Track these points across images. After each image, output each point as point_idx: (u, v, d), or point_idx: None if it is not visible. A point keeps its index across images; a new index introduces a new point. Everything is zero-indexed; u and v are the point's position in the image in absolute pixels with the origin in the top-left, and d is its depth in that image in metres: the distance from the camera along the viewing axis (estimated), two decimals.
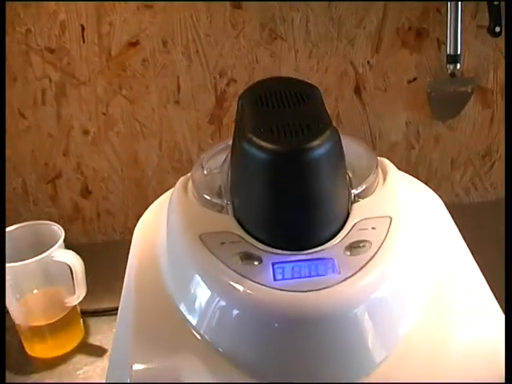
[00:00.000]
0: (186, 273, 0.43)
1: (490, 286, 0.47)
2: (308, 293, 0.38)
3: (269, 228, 0.43)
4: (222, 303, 0.40)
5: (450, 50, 0.84)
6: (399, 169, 0.54)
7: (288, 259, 0.41)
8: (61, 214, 0.96)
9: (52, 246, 0.69)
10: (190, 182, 0.52)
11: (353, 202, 0.47)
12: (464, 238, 0.52)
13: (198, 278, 0.42)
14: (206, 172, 0.52)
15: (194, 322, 0.42)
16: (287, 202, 0.41)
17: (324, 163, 0.40)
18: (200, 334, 0.42)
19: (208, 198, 0.48)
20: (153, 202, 0.61)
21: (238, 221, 0.45)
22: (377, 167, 0.51)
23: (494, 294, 0.46)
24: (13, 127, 0.87)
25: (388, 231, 0.43)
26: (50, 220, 0.75)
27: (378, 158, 0.54)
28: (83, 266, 0.71)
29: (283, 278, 0.39)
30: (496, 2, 0.82)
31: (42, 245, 0.70)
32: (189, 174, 0.54)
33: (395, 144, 0.95)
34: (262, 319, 0.39)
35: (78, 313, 0.77)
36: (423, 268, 0.45)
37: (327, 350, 0.39)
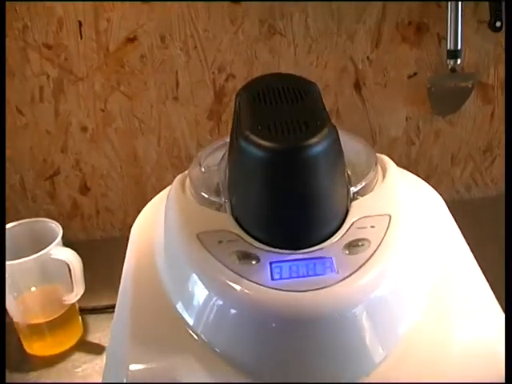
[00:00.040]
0: (183, 272, 0.43)
1: (489, 283, 0.46)
2: (306, 293, 0.38)
3: (266, 227, 0.42)
4: (219, 303, 0.40)
5: (450, 45, 0.83)
6: (399, 165, 0.54)
7: (286, 258, 0.40)
8: (60, 211, 0.95)
9: (50, 244, 0.69)
10: (188, 180, 0.51)
11: (352, 200, 0.46)
12: (464, 234, 0.51)
13: (194, 277, 0.41)
14: (203, 169, 0.52)
15: (190, 321, 0.42)
16: (285, 200, 0.41)
17: (322, 161, 0.40)
18: (197, 334, 0.41)
19: (206, 196, 0.48)
20: (152, 198, 0.60)
21: (236, 219, 0.45)
22: (376, 164, 0.51)
23: (494, 292, 0.45)
24: (11, 124, 0.87)
25: (387, 230, 0.42)
26: (49, 217, 0.74)
27: (378, 154, 0.53)
28: (81, 264, 0.70)
29: (281, 278, 0.39)
30: None
31: (40, 242, 0.70)
32: (186, 172, 0.53)
33: (395, 140, 0.94)
34: (260, 319, 0.39)
35: (77, 310, 0.77)
36: (423, 267, 0.44)
37: (325, 350, 0.39)
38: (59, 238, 0.70)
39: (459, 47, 0.83)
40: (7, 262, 0.66)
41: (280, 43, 0.85)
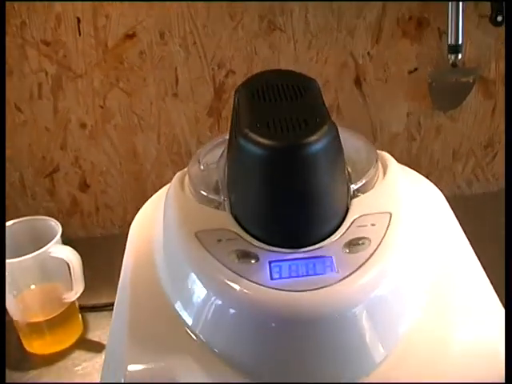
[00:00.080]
0: (182, 271, 0.43)
1: (490, 280, 0.46)
2: (305, 292, 0.37)
3: (265, 225, 0.42)
4: (218, 303, 0.40)
5: (451, 40, 0.83)
6: (400, 160, 0.53)
7: (285, 257, 0.40)
8: (59, 208, 0.95)
9: (50, 242, 0.69)
10: (187, 178, 0.51)
11: (352, 198, 0.46)
12: (465, 230, 0.51)
13: (193, 276, 0.41)
14: (202, 167, 0.51)
15: (189, 321, 0.42)
16: (284, 198, 0.40)
17: (321, 159, 0.39)
18: (195, 334, 0.41)
19: (205, 194, 0.48)
20: (152, 195, 0.60)
21: (235, 217, 0.44)
22: (376, 161, 0.50)
23: (496, 289, 0.45)
24: (9, 121, 0.86)
25: (387, 228, 0.42)
26: (49, 214, 0.74)
27: (378, 151, 0.53)
28: (81, 262, 0.70)
29: (280, 277, 0.39)
30: None
31: (39, 240, 0.70)
32: (186, 169, 0.53)
33: (396, 135, 0.94)
34: (259, 319, 0.38)
35: (77, 308, 0.77)
36: (423, 265, 0.44)
37: (325, 350, 0.38)
38: (58, 237, 0.69)
39: (460, 42, 0.83)
40: (7, 260, 0.66)
41: (280, 39, 0.84)
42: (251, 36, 0.83)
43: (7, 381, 0.71)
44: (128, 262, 0.50)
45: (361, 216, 0.43)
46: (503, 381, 0.38)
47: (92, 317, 0.80)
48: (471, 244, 0.50)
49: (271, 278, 0.39)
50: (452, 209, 0.54)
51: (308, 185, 0.40)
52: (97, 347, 0.75)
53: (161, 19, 0.81)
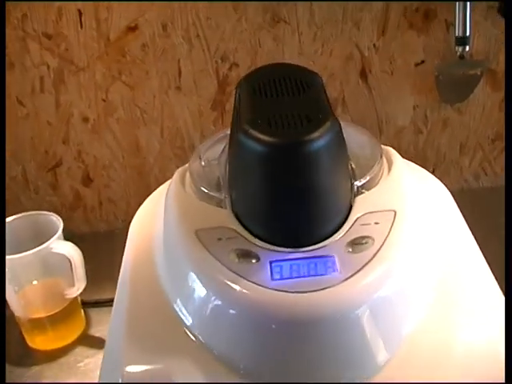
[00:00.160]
0: (181, 270, 0.42)
1: (498, 274, 0.45)
2: (306, 294, 0.36)
3: (267, 224, 0.41)
4: (217, 303, 0.39)
5: (458, 32, 0.81)
6: (407, 154, 0.52)
7: (286, 257, 0.39)
8: (62, 203, 0.94)
9: (51, 237, 0.68)
10: (188, 174, 0.50)
11: (356, 195, 0.45)
12: (473, 223, 0.50)
13: (193, 276, 0.40)
14: (203, 163, 0.50)
15: (188, 321, 0.41)
16: (285, 196, 0.39)
17: (324, 156, 0.38)
18: (194, 335, 0.40)
19: (205, 191, 0.47)
20: (155, 189, 0.59)
21: (236, 215, 0.43)
22: (381, 157, 0.49)
23: (501, 285, 0.44)
24: (11, 115, 0.86)
25: (392, 226, 0.41)
26: (52, 208, 0.73)
27: (383, 146, 0.51)
28: (82, 258, 0.69)
29: (281, 278, 0.38)
30: None
31: (41, 235, 0.69)
32: (187, 165, 0.52)
33: (402, 128, 0.93)
34: (258, 321, 0.37)
35: (79, 304, 0.76)
36: (428, 265, 0.43)
37: (326, 353, 0.37)
38: (60, 232, 0.69)
39: (468, 34, 0.81)
40: (8, 256, 0.65)
41: (284, 31, 0.83)
42: (255, 28, 0.82)
43: (9, 376, 0.70)
44: (128, 259, 0.50)
45: (364, 214, 0.42)
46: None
47: (95, 312, 0.79)
48: (478, 238, 0.49)
49: (272, 279, 0.38)
50: (459, 203, 0.52)
51: (310, 183, 0.39)
52: (99, 343, 0.74)
53: (163, 11, 0.80)
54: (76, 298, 0.74)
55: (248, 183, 0.41)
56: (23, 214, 0.73)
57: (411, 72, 0.88)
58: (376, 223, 0.41)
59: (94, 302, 0.79)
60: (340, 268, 0.38)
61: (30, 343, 0.75)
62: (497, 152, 0.96)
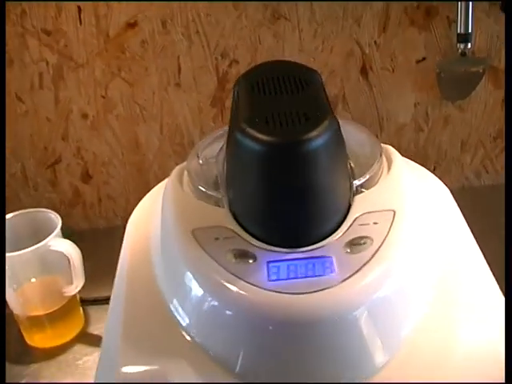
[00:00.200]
0: (178, 269, 0.41)
1: (499, 272, 0.44)
2: (303, 295, 0.36)
3: (264, 224, 0.41)
4: (213, 304, 0.38)
5: (460, 29, 0.80)
6: (407, 151, 0.51)
7: (284, 257, 0.39)
8: (61, 199, 0.94)
9: (50, 234, 0.68)
10: (186, 172, 0.50)
11: (355, 194, 0.44)
12: (474, 222, 0.50)
13: (189, 275, 0.40)
14: (201, 161, 0.50)
15: (184, 321, 0.40)
16: (283, 196, 0.39)
17: (322, 155, 0.38)
18: (190, 336, 0.40)
19: (203, 189, 0.46)
20: (154, 186, 0.59)
21: (234, 215, 0.43)
22: (381, 155, 0.49)
23: (501, 287, 0.43)
24: (11, 112, 0.85)
25: (391, 226, 0.40)
26: (51, 205, 0.73)
27: (383, 145, 0.51)
28: (81, 255, 0.69)
29: (278, 279, 0.37)
30: None
31: (39, 233, 0.69)
32: (184, 163, 0.52)
33: (403, 126, 0.92)
34: (255, 322, 0.37)
35: (78, 301, 0.76)
36: (427, 266, 0.42)
37: (324, 355, 0.37)
38: (58, 230, 0.68)
39: (470, 30, 0.81)
40: (6, 254, 0.65)
41: (284, 27, 0.82)
42: (255, 25, 0.81)
43: (7, 374, 0.70)
44: (124, 258, 0.49)
45: (363, 214, 0.42)
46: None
47: (93, 310, 0.79)
48: (479, 236, 0.48)
49: (269, 280, 0.37)
50: (460, 201, 0.52)
51: (308, 182, 0.38)
52: (98, 341, 0.74)
53: (163, 7, 0.79)
54: (75, 295, 0.74)
55: (245, 182, 0.41)
56: (21, 211, 0.72)
57: (412, 69, 0.87)
58: (375, 223, 0.41)
59: (93, 299, 0.79)
60: (338, 269, 0.38)
61: (28, 341, 0.74)
62: (498, 150, 0.95)
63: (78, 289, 0.71)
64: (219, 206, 0.44)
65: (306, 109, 0.40)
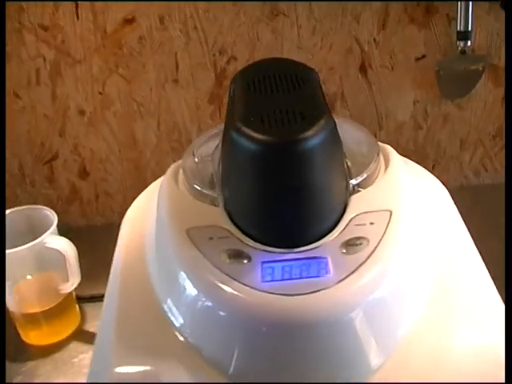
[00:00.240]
0: (172, 269, 0.41)
1: (499, 271, 0.44)
2: (298, 296, 0.35)
3: (259, 224, 0.40)
4: (206, 304, 0.38)
5: (460, 26, 0.80)
6: (406, 149, 0.51)
7: (278, 258, 0.38)
8: (58, 196, 0.94)
9: (46, 231, 0.67)
10: (181, 171, 0.49)
11: (351, 193, 0.44)
12: (472, 221, 0.49)
13: (183, 275, 0.39)
14: (197, 160, 0.49)
15: (177, 322, 0.40)
16: (278, 196, 0.38)
17: (318, 155, 0.37)
18: (183, 336, 0.39)
19: (199, 188, 0.46)
20: (151, 182, 0.58)
21: (229, 214, 0.42)
22: (378, 154, 0.48)
23: (501, 286, 0.43)
24: (8, 108, 0.85)
25: (387, 227, 0.40)
26: (48, 202, 0.73)
27: (380, 143, 0.50)
28: (76, 253, 0.69)
29: (272, 280, 0.37)
30: None
31: (36, 229, 0.69)
32: (180, 161, 0.51)
33: (402, 124, 0.92)
34: (248, 323, 0.36)
35: (74, 299, 0.76)
36: (424, 267, 0.42)
37: (319, 357, 0.36)
38: (54, 227, 0.68)
39: (470, 28, 0.80)
40: None
41: (283, 24, 0.82)
42: (253, 21, 0.81)
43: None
44: (119, 256, 0.49)
45: (359, 214, 0.41)
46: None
47: (90, 307, 0.79)
48: (478, 235, 0.48)
49: (263, 281, 0.37)
50: (459, 199, 0.51)
51: (303, 182, 0.38)
52: (94, 339, 0.72)
53: (160, 3, 0.79)
54: (71, 292, 0.73)
55: (240, 181, 0.40)
56: (18, 208, 0.72)
57: (412, 67, 0.87)
58: (371, 223, 0.40)
59: (89, 296, 0.79)
60: (333, 270, 0.37)
61: (24, 338, 0.74)
62: (498, 148, 0.95)
63: (74, 286, 0.70)
64: (215, 205, 0.44)
65: (302, 108, 0.39)
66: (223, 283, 0.37)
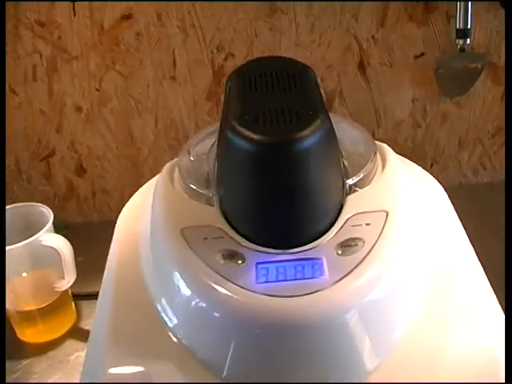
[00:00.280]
0: (166, 269, 0.41)
1: (497, 271, 0.44)
2: (292, 298, 0.35)
3: (254, 224, 0.40)
4: (200, 305, 0.38)
5: (459, 24, 0.80)
6: (404, 148, 0.51)
7: (273, 259, 0.38)
8: (55, 193, 0.93)
9: (42, 228, 0.67)
10: (177, 169, 0.49)
11: (348, 193, 0.43)
12: (471, 220, 0.49)
13: (177, 275, 0.39)
14: (192, 158, 0.49)
15: (170, 322, 0.40)
16: (273, 196, 0.38)
17: (313, 155, 0.37)
18: (177, 337, 0.39)
19: (194, 187, 0.45)
20: (148, 180, 0.58)
21: (224, 214, 0.42)
22: (375, 154, 0.48)
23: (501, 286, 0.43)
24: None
25: (383, 228, 0.39)
26: (45, 198, 0.72)
27: (377, 143, 0.50)
28: (72, 250, 0.68)
29: (267, 281, 0.36)
30: None
31: (31, 227, 0.68)
32: (176, 160, 0.51)
33: (401, 122, 0.91)
34: (242, 325, 0.36)
35: (70, 296, 0.75)
36: (420, 268, 0.42)
37: (314, 359, 0.36)
38: (49, 224, 0.68)
39: (469, 26, 0.80)
40: None
41: (281, 21, 0.81)
42: (251, 18, 0.80)
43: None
44: (114, 255, 0.49)
45: (355, 214, 0.41)
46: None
47: (86, 305, 0.78)
48: (477, 234, 0.48)
49: (257, 282, 0.36)
50: (457, 198, 0.51)
51: (298, 182, 0.37)
52: None
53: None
54: (67, 290, 0.73)
55: (235, 181, 0.40)
56: (14, 205, 0.72)
57: (410, 64, 0.86)
58: (367, 224, 0.40)
59: (85, 294, 0.78)
60: (328, 271, 0.37)
61: (20, 336, 0.74)
62: (496, 147, 0.94)
63: (70, 284, 0.70)
64: (210, 205, 0.44)
65: (298, 107, 0.39)
66: (217, 284, 0.37)
